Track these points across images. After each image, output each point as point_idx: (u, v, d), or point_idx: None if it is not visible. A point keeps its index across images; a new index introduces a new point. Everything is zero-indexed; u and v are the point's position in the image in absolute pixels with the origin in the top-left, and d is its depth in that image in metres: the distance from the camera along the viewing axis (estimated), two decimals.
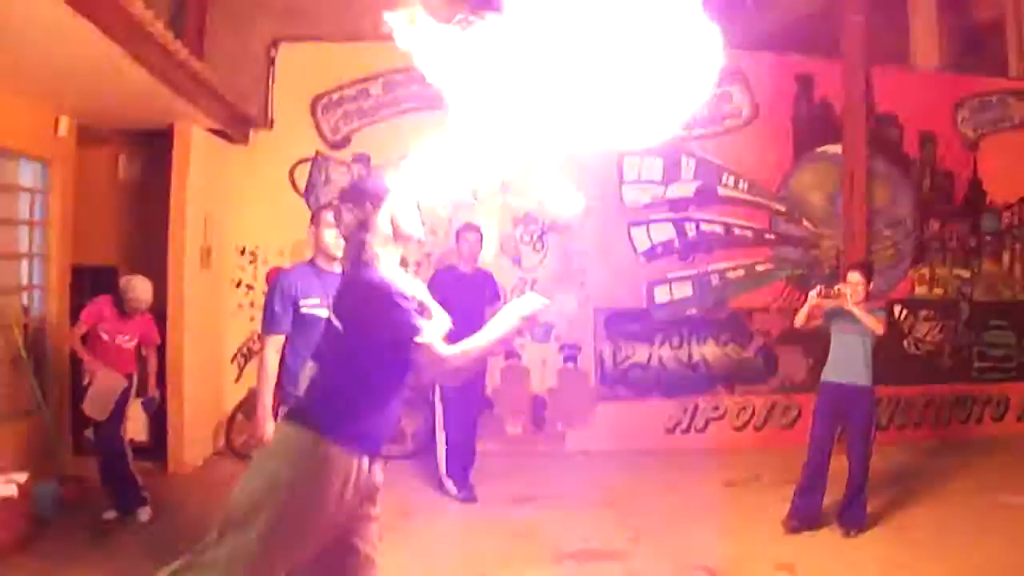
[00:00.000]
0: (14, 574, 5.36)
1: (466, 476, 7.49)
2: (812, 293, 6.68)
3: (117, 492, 6.58)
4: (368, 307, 3.05)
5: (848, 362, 6.51)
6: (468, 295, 7.26)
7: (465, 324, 5.96)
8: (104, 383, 6.57)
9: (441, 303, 7.35)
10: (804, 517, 6.53)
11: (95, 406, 6.56)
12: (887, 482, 6.77)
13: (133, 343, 6.76)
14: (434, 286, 7.50)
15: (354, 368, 3.10)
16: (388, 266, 3.16)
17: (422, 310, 3.21)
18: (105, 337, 6.65)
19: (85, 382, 6.65)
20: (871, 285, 6.61)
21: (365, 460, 3.10)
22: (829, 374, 6.67)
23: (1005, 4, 11.07)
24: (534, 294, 3.24)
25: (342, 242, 4.79)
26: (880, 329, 6.40)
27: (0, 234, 7.24)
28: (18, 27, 5.27)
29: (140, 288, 6.70)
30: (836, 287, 6.53)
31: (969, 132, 10.27)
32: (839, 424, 6.63)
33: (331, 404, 3.08)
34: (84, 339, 6.66)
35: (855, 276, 6.56)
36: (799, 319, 6.81)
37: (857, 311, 6.32)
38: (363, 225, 3.15)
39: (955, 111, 10.23)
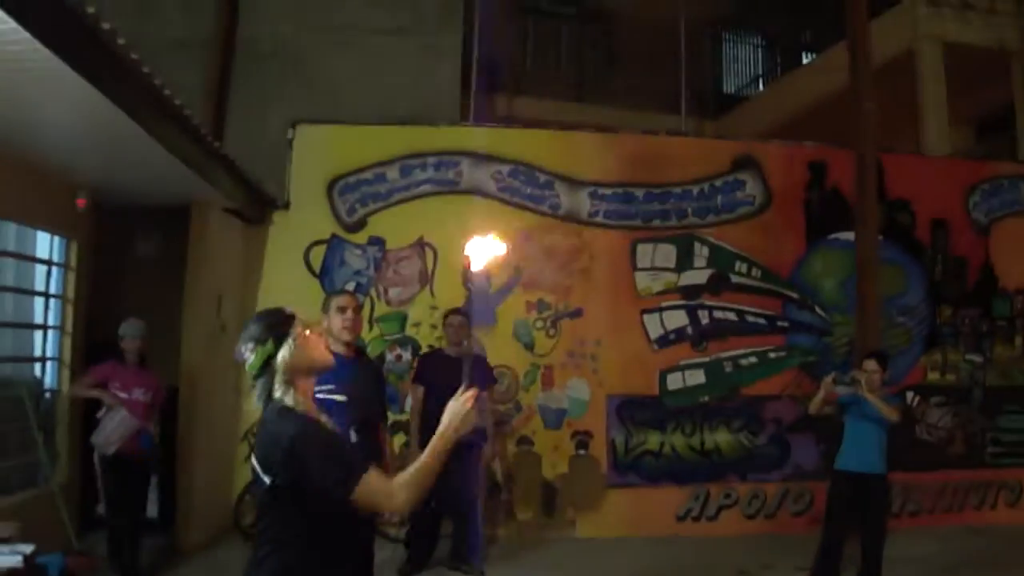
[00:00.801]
0: None
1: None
2: (827, 379, 6.69)
3: (125, 565, 6.66)
4: (295, 460, 2.78)
5: (862, 450, 6.52)
6: (455, 379, 7.23)
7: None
8: (118, 418, 6.66)
9: (428, 388, 7.34)
10: None
11: (105, 439, 6.64)
12: (899, 570, 6.67)
13: (148, 396, 6.84)
14: (420, 371, 7.56)
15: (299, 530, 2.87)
16: (302, 402, 2.95)
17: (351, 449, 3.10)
18: (123, 395, 6.77)
19: (99, 414, 6.73)
20: (886, 373, 6.61)
21: None
22: (843, 462, 6.68)
23: (1014, 90, 11.19)
24: (461, 407, 3.09)
25: (350, 327, 4.86)
26: (895, 417, 6.42)
27: (16, 305, 7.28)
28: (40, 103, 5.36)
29: (123, 326, 6.92)
30: (851, 374, 6.54)
31: (981, 217, 10.34)
32: (853, 512, 6.59)
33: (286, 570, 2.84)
34: None
35: (871, 364, 6.58)
36: (813, 406, 6.83)
37: (872, 399, 6.33)
38: (266, 365, 2.93)
39: (966, 196, 10.30)
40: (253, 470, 2.93)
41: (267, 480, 2.82)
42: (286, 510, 2.86)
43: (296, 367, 2.96)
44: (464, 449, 7.03)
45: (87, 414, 7.42)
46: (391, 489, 2.85)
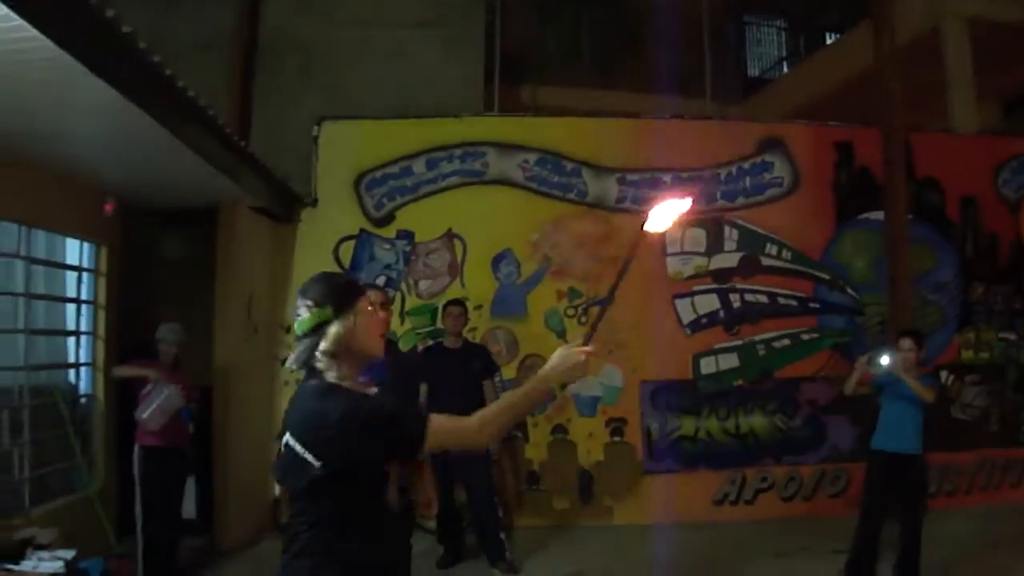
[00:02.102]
0: None
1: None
2: (861, 359, 6.64)
3: (161, 566, 6.70)
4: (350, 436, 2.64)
5: (898, 429, 6.44)
6: (456, 371, 7.33)
7: (454, 401, 5.97)
8: (165, 393, 6.69)
9: (429, 381, 7.34)
10: None
11: (150, 414, 6.65)
12: (937, 551, 6.63)
13: (183, 394, 6.84)
14: (421, 365, 7.58)
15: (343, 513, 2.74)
16: (348, 378, 2.81)
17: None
18: None
19: (144, 391, 6.72)
20: (922, 352, 6.55)
21: None
22: (879, 442, 6.61)
23: None
24: (578, 356, 2.80)
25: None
26: (930, 397, 6.34)
27: (48, 312, 7.32)
28: (65, 109, 5.37)
29: (162, 329, 6.95)
30: (884, 352, 6.48)
31: (1010, 193, 10.25)
32: (890, 492, 6.52)
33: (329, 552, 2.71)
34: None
35: (907, 342, 6.51)
36: (848, 386, 6.78)
37: (907, 379, 6.27)
38: (316, 329, 2.79)
39: (995, 173, 10.22)
40: (288, 449, 2.73)
41: (315, 463, 2.64)
42: (330, 493, 2.69)
43: (349, 345, 2.80)
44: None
45: (123, 418, 7.49)
46: (470, 425, 2.70)
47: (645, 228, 3.03)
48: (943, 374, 9.63)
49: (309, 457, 2.65)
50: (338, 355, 2.78)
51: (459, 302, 7.85)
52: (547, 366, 2.82)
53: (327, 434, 2.63)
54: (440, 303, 8.60)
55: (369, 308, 2.86)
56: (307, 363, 2.78)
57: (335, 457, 2.63)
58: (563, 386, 2.85)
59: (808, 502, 9.47)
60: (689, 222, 9.39)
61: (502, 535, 7.43)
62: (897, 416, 6.46)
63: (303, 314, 2.79)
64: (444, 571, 7.42)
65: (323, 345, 2.76)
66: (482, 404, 7.12)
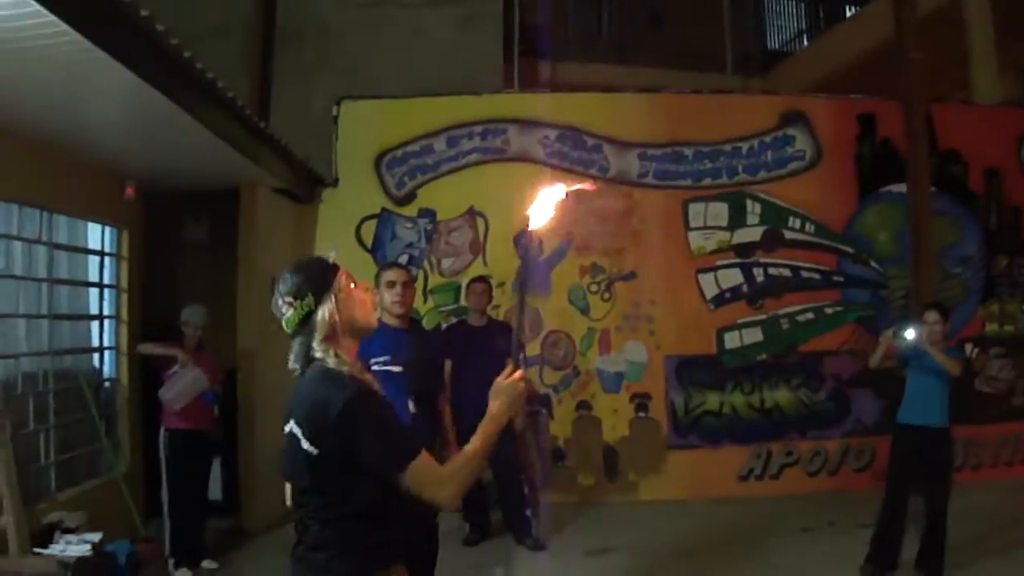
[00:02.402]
0: None
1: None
2: (887, 332, 6.60)
3: (188, 548, 6.72)
4: (345, 431, 2.60)
5: (924, 403, 6.37)
6: (481, 349, 7.22)
7: (479, 379, 5.94)
8: (190, 376, 6.71)
9: (453, 360, 7.34)
10: (882, 562, 6.41)
11: (174, 395, 6.67)
12: (963, 524, 6.60)
13: (208, 377, 6.85)
14: (445, 343, 7.45)
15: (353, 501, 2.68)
16: (348, 363, 2.74)
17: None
18: None
19: (169, 372, 6.74)
20: (948, 325, 6.50)
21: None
22: (904, 415, 6.54)
23: None
24: (510, 383, 2.91)
25: (400, 302, 4.81)
26: (956, 370, 6.27)
27: (71, 297, 7.35)
28: (84, 94, 5.39)
29: (186, 312, 6.94)
30: (912, 327, 6.43)
31: None
32: (916, 466, 6.46)
33: (343, 541, 2.68)
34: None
35: (933, 315, 6.43)
36: (873, 360, 6.73)
37: (933, 352, 6.20)
38: (304, 322, 2.71)
39: (1019, 145, 10.13)
40: (292, 438, 2.68)
41: (313, 451, 2.60)
42: (337, 484, 2.64)
43: (336, 326, 2.73)
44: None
45: (147, 401, 7.52)
46: (441, 477, 2.67)
47: (531, 228, 3.17)
48: (967, 347, 9.57)
49: (309, 447, 2.61)
50: (332, 338, 2.72)
51: (483, 279, 7.83)
52: (492, 406, 2.85)
53: (326, 424, 2.58)
54: (463, 281, 8.61)
55: (348, 283, 2.79)
56: (307, 357, 2.71)
57: (332, 448, 2.59)
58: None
59: (833, 476, 9.45)
60: (711, 196, 9.39)
61: (528, 512, 7.45)
62: (923, 390, 6.39)
63: (286, 312, 2.71)
64: (470, 549, 7.41)
65: (316, 335, 2.70)
66: None
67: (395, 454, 2.62)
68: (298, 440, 2.63)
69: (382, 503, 2.69)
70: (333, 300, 2.71)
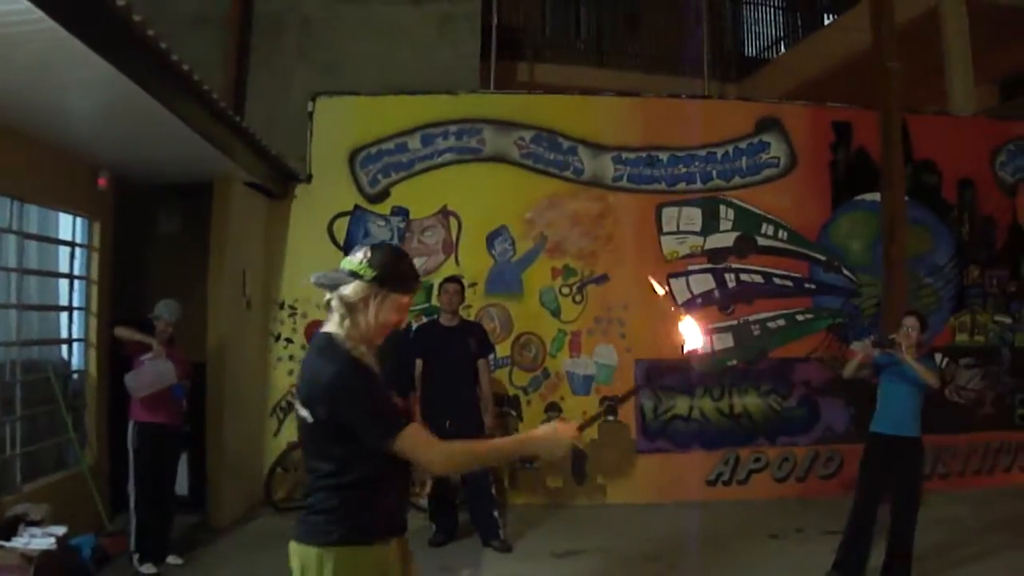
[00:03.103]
0: None
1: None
2: (866, 342, 6.60)
3: (154, 543, 6.66)
4: (334, 401, 2.73)
5: (898, 413, 6.38)
6: (451, 349, 7.29)
7: (448, 379, 5.83)
8: (156, 367, 6.64)
9: (424, 359, 7.31)
10: (849, 570, 6.43)
11: (139, 382, 6.60)
12: (931, 534, 6.63)
13: (178, 371, 6.78)
14: (414, 342, 7.53)
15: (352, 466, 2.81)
16: (355, 339, 2.84)
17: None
18: None
19: (141, 359, 6.68)
20: (924, 334, 6.51)
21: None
22: (878, 425, 6.55)
23: None
24: (566, 438, 2.90)
25: None
26: (936, 382, 6.31)
27: (41, 287, 7.30)
28: (59, 83, 5.33)
29: (159, 306, 6.86)
30: (891, 337, 6.44)
31: (1007, 177, 10.23)
32: (887, 475, 6.48)
33: (340, 507, 2.80)
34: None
35: (911, 320, 6.44)
36: (848, 370, 6.73)
37: (913, 363, 6.20)
38: (354, 276, 2.82)
39: (993, 156, 10.19)
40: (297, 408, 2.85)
41: (309, 418, 2.75)
42: (334, 449, 2.76)
43: (369, 314, 2.83)
44: (467, 427, 7.00)
45: (115, 395, 7.45)
46: (438, 445, 2.80)
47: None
48: (938, 356, 9.59)
49: (306, 414, 2.76)
50: (352, 313, 2.81)
51: (456, 279, 7.76)
52: (537, 434, 2.94)
53: (317, 392, 2.72)
54: (435, 280, 8.52)
55: (400, 306, 2.89)
56: (333, 287, 2.81)
57: (325, 417, 2.71)
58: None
59: (801, 483, 9.48)
60: (685, 201, 9.41)
61: (495, 513, 7.43)
62: (897, 399, 6.40)
63: (357, 256, 2.83)
64: (438, 550, 7.37)
65: (347, 290, 2.80)
66: (475, 383, 7.12)
67: (384, 424, 2.72)
68: (297, 407, 2.81)
69: (382, 474, 2.80)
70: (380, 299, 2.82)
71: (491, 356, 7.79)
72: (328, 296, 2.85)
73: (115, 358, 7.50)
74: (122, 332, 6.77)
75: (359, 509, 2.79)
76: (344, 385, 2.70)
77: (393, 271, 2.86)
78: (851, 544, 6.49)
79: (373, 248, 2.86)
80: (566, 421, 3.01)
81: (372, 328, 2.85)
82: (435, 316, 8.01)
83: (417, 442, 2.73)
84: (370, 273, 2.79)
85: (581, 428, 3.01)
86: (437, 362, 7.28)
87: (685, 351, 3.34)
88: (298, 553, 2.81)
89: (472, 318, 8.67)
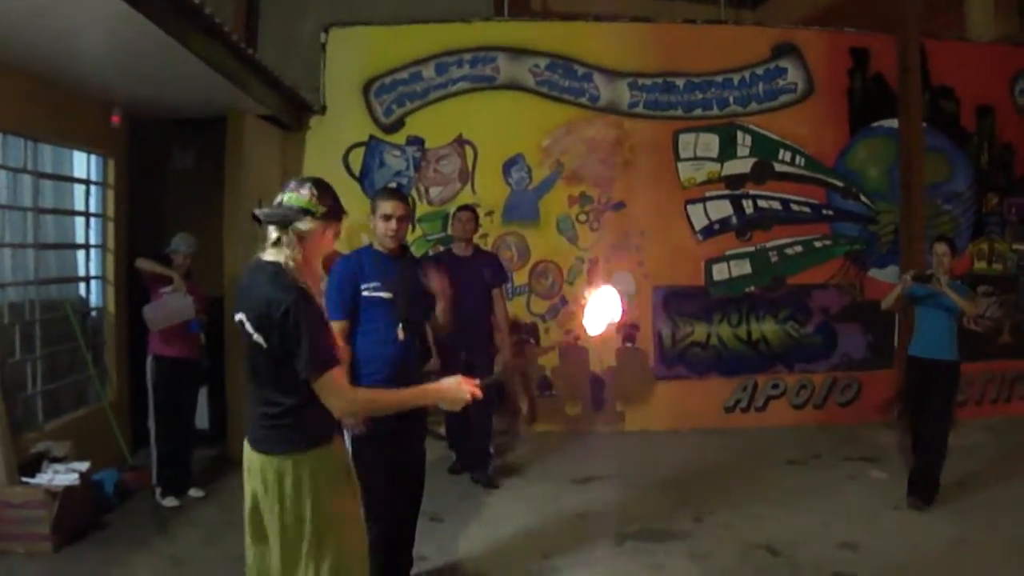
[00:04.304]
0: (79, 560, 5.42)
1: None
2: (906, 276, 6.59)
3: (175, 476, 6.71)
4: (287, 327, 2.99)
5: (934, 337, 6.45)
6: (466, 279, 6.87)
7: (464, 310, 5.71)
8: (175, 300, 6.66)
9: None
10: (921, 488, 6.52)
11: (155, 314, 6.62)
12: (949, 460, 6.63)
13: (196, 305, 6.79)
14: (426, 273, 7.36)
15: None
16: (300, 264, 3.14)
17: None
18: None
19: (164, 290, 6.69)
20: (955, 259, 6.51)
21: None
22: (915, 349, 6.63)
23: None
24: (465, 393, 3.27)
25: (394, 236, 4.76)
26: (973, 309, 6.39)
27: (58, 226, 7.28)
28: (69, 20, 5.25)
29: (176, 240, 6.86)
30: (928, 271, 6.43)
31: None
32: (927, 399, 6.52)
33: (303, 416, 3.11)
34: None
35: (942, 247, 6.47)
36: (887, 302, 6.73)
37: (951, 293, 6.22)
38: (306, 213, 3.12)
39: (1012, 83, 10.06)
40: (242, 327, 3.07)
41: (263, 343, 2.99)
42: (284, 373, 3.02)
43: (316, 246, 3.13)
44: (480, 359, 6.98)
45: (134, 331, 7.50)
46: (346, 394, 3.10)
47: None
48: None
49: (259, 339, 3.00)
50: (302, 245, 3.08)
51: (470, 207, 7.56)
52: (441, 386, 3.31)
53: (271, 321, 2.95)
54: (451, 209, 8.51)
55: (337, 233, 3.22)
56: (277, 229, 3.06)
57: (276, 343, 2.97)
58: None
59: (819, 410, 9.50)
60: (702, 127, 9.34)
61: (491, 449, 7.39)
62: (932, 323, 6.47)
63: (303, 193, 3.09)
64: (456, 476, 7.41)
65: (303, 225, 3.06)
66: (490, 314, 7.05)
67: (318, 359, 2.99)
68: (247, 332, 3.03)
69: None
70: (323, 230, 3.13)
71: (507, 286, 7.70)
72: (274, 232, 3.08)
73: (133, 294, 7.52)
74: (143, 264, 6.75)
75: (317, 415, 3.08)
76: (297, 316, 2.94)
77: (336, 204, 3.19)
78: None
79: (315, 184, 3.13)
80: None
81: (316, 256, 3.15)
82: (450, 246, 7.86)
83: (331, 387, 3.02)
84: (321, 209, 3.09)
85: (481, 386, 3.31)
86: (452, 293, 7.09)
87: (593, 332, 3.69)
88: (268, 463, 3.10)
89: (489, 247, 8.65)
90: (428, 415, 4.88)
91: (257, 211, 3.10)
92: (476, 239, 7.66)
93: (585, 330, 3.74)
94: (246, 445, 3.23)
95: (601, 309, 3.66)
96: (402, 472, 4.60)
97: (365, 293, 4.51)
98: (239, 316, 3.06)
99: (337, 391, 3.04)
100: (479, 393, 3.30)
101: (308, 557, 3.07)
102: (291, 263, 3.03)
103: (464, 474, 7.42)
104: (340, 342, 4.23)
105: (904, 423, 6.73)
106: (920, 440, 6.54)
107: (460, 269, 7.01)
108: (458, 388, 3.28)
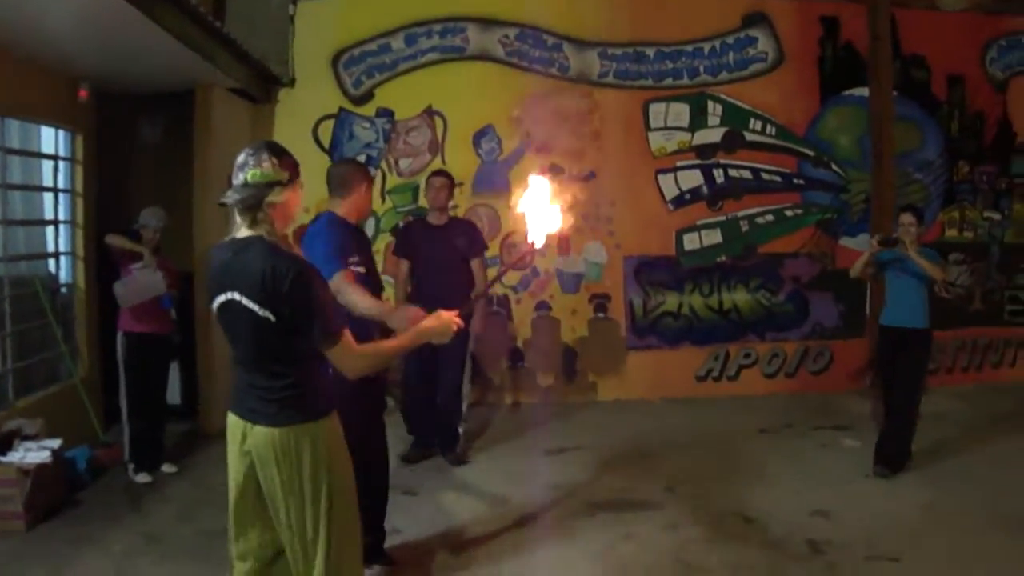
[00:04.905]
0: (52, 538, 5.40)
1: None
2: (872, 241, 6.61)
3: (147, 452, 6.69)
4: (299, 296, 3.04)
5: (905, 305, 6.46)
6: (440, 248, 6.80)
7: (437, 279, 5.63)
8: (146, 276, 6.59)
9: (413, 259, 6.85)
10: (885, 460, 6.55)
11: (126, 291, 6.56)
12: (921, 427, 6.68)
13: (167, 281, 6.72)
14: (401, 243, 7.08)
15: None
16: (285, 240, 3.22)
17: None
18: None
19: (134, 266, 6.62)
20: (921, 227, 6.53)
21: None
22: (886, 318, 6.65)
23: None
24: (451, 324, 3.43)
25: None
26: (940, 275, 6.38)
27: (26, 202, 7.22)
28: None
29: (145, 214, 6.76)
30: (895, 236, 6.44)
31: (998, 73, 10.13)
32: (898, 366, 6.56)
33: (306, 388, 3.13)
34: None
35: (908, 217, 6.47)
36: (855, 269, 6.74)
37: (917, 258, 6.23)
38: (271, 186, 3.08)
39: (983, 51, 10.08)
40: (235, 308, 3.01)
41: (271, 317, 2.95)
42: (291, 338, 3.02)
43: (287, 213, 3.14)
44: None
45: (104, 307, 7.45)
46: (358, 353, 3.15)
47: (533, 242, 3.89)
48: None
49: (266, 313, 2.96)
50: (277, 220, 3.09)
51: (443, 172, 7.22)
52: (427, 323, 3.43)
53: (279, 292, 2.93)
54: (421, 181, 8.46)
55: (300, 191, 3.19)
56: (251, 209, 3.03)
57: (285, 315, 2.96)
58: None
59: (791, 378, 9.57)
60: (672, 97, 9.32)
61: (460, 428, 7.16)
62: (902, 292, 6.48)
63: (266, 167, 3.02)
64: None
65: (277, 198, 3.05)
66: (468, 284, 6.91)
67: (334, 325, 3.04)
68: (247, 309, 2.97)
69: (322, 361, 3.15)
70: (291, 191, 3.11)
71: (485, 255, 7.34)
72: (248, 212, 3.05)
73: (102, 270, 7.48)
74: (113, 240, 6.68)
75: (319, 386, 3.16)
76: (307, 285, 2.97)
77: (293, 162, 3.15)
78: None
79: (270, 151, 3.07)
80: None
81: (288, 220, 3.15)
82: (422, 215, 7.71)
83: (346, 349, 3.09)
84: (284, 175, 3.07)
85: (460, 314, 3.51)
86: (425, 262, 6.85)
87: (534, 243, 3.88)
88: (281, 436, 3.05)
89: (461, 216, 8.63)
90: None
91: (227, 199, 3.03)
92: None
93: (533, 244, 3.91)
94: (239, 422, 3.16)
95: (539, 215, 3.87)
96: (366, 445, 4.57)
97: (354, 269, 4.43)
98: (230, 295, 3.02)
99: (352, 352, 3.12)
100: (461, 323, 3.50)
101: (323, 526, 3.09)
102: (272, 238, 3.04)
103: (419, 463, 7.03)
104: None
105: (876, 392, 6.73)
106: (890, 408, 6.58)
107: (432, 238, 6.89)
108: (442, 321, 3.43)
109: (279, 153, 3.10)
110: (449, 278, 6.72)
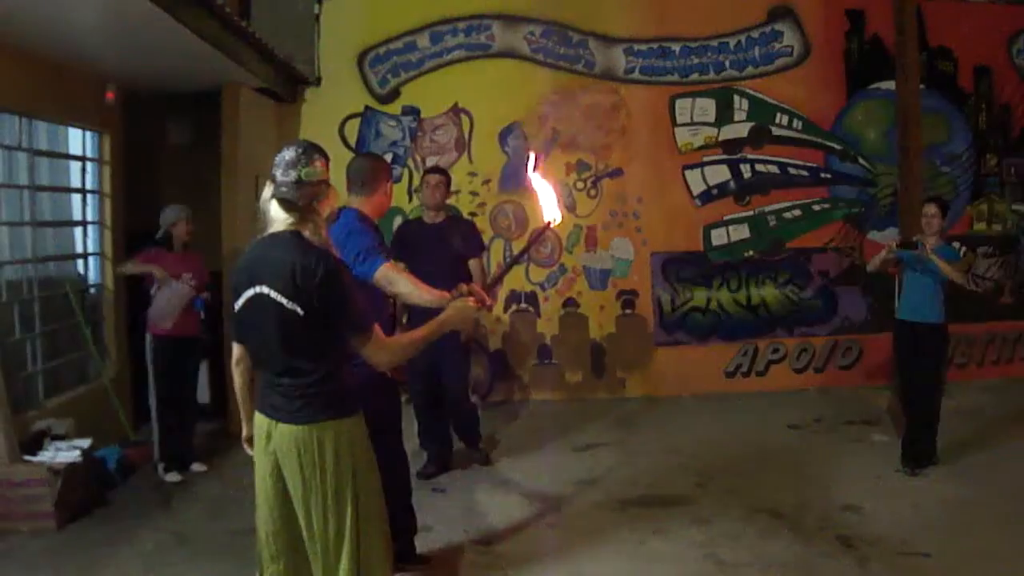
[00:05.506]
0: (82, 537, 5.43)
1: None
2: (890, 243, 6.58)
3: (177, 451, 6.73)
4: (330, 291, 3.06)
5: (918, 300, 6.41)
6: (433, 248, 6.41)
7: (433, 280, 5.59)
8: (166, 294, 6.61)
9: (404, 259, 6.72)
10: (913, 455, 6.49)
11: (160, 313, 6.60)
12: (951, 421, 6.66)
13: (195, 282, 6.74)
14: (396, 243, 6.61)
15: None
16: (323, 236, 3.22)
17: None
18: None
19: (152, 291, 6.65)
20: (945, 220, 6.48)
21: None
22: (903, 312, 6.59)
23: None
24: (468, 307, 3.42)
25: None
26: (961, 278, 6.31)
27: (53, 203, 7.26)
28: None
29: (169, 212, 6.81)
30: (915, 239, 6.40)
31: None
32: (916, 362, 6.51)
33: (336, 385, 3.14)
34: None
35: (931, 208, 6.45)
36: (872, 265, 6.72)
37: (938, 261, 6.17)
38: (320, 185, 3.18)
39: (1010, 43, 9.99)
40: (263, 302, 3.02)
41: (300, 311, 2.96)
42: (321, 332, 3.02)
43: (329, 208, 3.22)
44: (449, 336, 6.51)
45: (133, 307, 7.51)
46: (389, 346, 3.20)
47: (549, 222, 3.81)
48: (955, 245, 9.53)
49: (295, 307, 2.97)
50: (320, 215, 3.14)
51: (439, 169, 6.90)
52: (444, 315, 3.40)
53: (311, 286, 2.95)
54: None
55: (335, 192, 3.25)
56: (299, 207, 3.06)
57: (316, 309, 2.97)
58: None
59: (820, 373, 9.53)
60: (698, 92, 9.32)
61: (479, 429, 7.01)
62: (918, 287, 6.43)
63: (317, 165, 3.11)
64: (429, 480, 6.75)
65: (323, 196, 3.14)
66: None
67: (365, 318, 3.07)
68: (275, 302, 2.99)
69: (350, 356, 3.18)
70: (334, 191, 3.22)
71: (484, 256, 7.14)
72: (296, 210, 3.06)
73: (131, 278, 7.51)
74: (124, 269, 6.82)
75: (344, 384, 3.15)
76: (338, 280, 2.99)
77: (327, 161, 3.22)
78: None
79: (319, 153, 3.16)
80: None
81: (326, 216, 3.20)
82: (416, 217, 7.36)
83: (378, 343, 3.12)
84: (328, 175, 3.19)
85: (489, 290, 3.71)
86: (419, 262, 6.23)
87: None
88: (293, 434, 3.05)
89: (486, 215, 8.67)
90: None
91: (284, 194, 3.06)
92: (473, 207, 7.56)
93: (550, 224, 3.85)
94: (264, 421, 3.13)
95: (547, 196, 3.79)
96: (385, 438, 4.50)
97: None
98: (259, 289, 3.01)
99: (383, 345, 3.15)
100: (484, 301, 3.49)
101: (348, 528, 3.08)
102: (317, 237, 3.08)
103: (439, 475, 6.64)
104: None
105: (901, 386, 6.70)
106: (909, 406, 6.55)
107: (428, 237, 6.57)
108: (463, 308, 3.42)
109: (324, 154, 3.18)
110: (442, 279, 6.38)
